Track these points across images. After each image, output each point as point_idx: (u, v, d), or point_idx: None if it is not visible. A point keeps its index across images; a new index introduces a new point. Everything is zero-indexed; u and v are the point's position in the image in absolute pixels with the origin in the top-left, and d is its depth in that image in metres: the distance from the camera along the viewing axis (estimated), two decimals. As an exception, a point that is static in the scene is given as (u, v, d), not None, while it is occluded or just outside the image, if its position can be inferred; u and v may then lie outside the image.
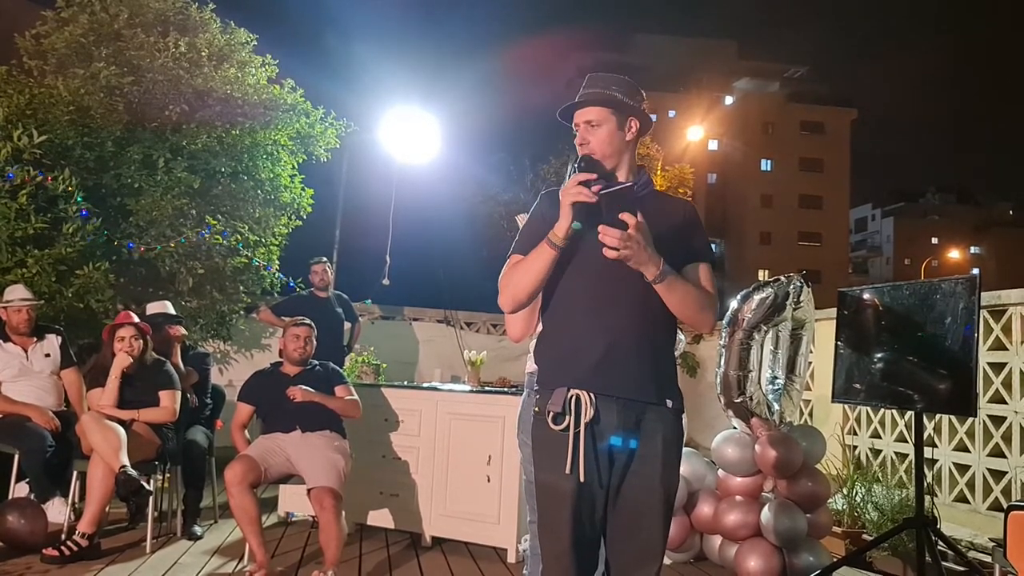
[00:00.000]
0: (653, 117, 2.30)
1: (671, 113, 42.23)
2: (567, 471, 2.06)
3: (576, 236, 2.06)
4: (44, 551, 3.99)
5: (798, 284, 4.40)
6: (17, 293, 4.91)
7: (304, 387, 4.23)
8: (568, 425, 2.08)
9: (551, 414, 2.11)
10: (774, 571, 4.09)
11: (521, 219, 2.36)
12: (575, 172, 2.04)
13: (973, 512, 4.97)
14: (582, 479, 2.05)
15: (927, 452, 4.15)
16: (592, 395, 2.09)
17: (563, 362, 2.15)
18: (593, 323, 2.13)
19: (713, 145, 48.81)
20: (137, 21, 6.66)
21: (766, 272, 40.22)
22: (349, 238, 9.67)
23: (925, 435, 4.67)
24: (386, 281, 8.64)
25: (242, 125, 6.89)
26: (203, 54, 6.75)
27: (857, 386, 4.08)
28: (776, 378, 4.51)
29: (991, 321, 5.02)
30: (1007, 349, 4.93)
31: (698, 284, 2.19)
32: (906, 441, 5.61)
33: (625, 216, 1.96)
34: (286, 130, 7.24)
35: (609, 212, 1.97)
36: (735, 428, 4.52)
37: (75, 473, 4.49)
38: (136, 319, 4.66)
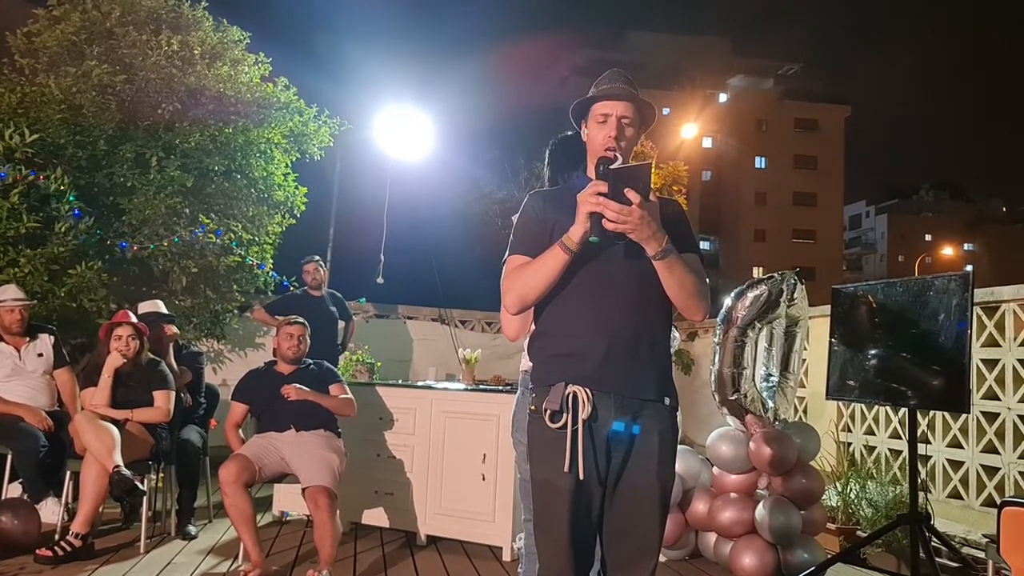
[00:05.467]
0: (666, 111, 2.31)
1: (665, 111, 42.08)
2: (565, 469, 2.05)
3: (588, 243, 2.05)
4: (38, 551, 3.98)
5: (792, 281, 4.41)
6: (10, 293, 4.89)
7: (298, 386, 4.22)
8: (566, 423, 2.07)
9: (548, 412, 2.10)
10: (769, 568, 4.10)
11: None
12: (600, 175, 2.02)
13: (966, 508, 4.98)
14: (581, 477, 2.05)
15: (921, 448, 4.16)
16: (589, 391, 2.09)
17: (560, 359, 2.15)
18: (590, 320, 2.13)
19: (707, 143, 48.87)
20: (129, 19, 6.64)
21: (760, 269, 40.28)
22: (343, 236, 9.65)
23: (919, 431, 4.68)
24: (380, 279, 8.62)
25: (235, 123, 6.88)
26: (196, 52, 6.73)
27: (851, 383, 4.09)
28: (770, 375, 4.51)
29: (984, 317, 5.03)
30: (1000, 345, 4.94)
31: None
32: (900, 438, 5.62)
33: (630, 193, 1.97)
34: (279, 128, 7.23)
35: (616, 186, 1.97)
36: (730, 425, 4.53)
37: (68, 473, 4.47)
38: (134, 318, 4.64)
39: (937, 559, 3.92)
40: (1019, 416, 4.74)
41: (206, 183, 6.82)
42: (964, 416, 5.03)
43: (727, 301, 4.51)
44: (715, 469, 4.53)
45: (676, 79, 46.19)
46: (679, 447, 2.78)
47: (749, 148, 49.26)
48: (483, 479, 4.53)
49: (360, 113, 8.34)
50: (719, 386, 4.48)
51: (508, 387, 4.72)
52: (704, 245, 46.05)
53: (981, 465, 4.96)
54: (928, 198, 65.13)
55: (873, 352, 3.97)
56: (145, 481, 4.34)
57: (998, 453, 4.85)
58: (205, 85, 6.73)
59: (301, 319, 4.48)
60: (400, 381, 5.92)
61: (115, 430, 4.20)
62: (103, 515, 4.67)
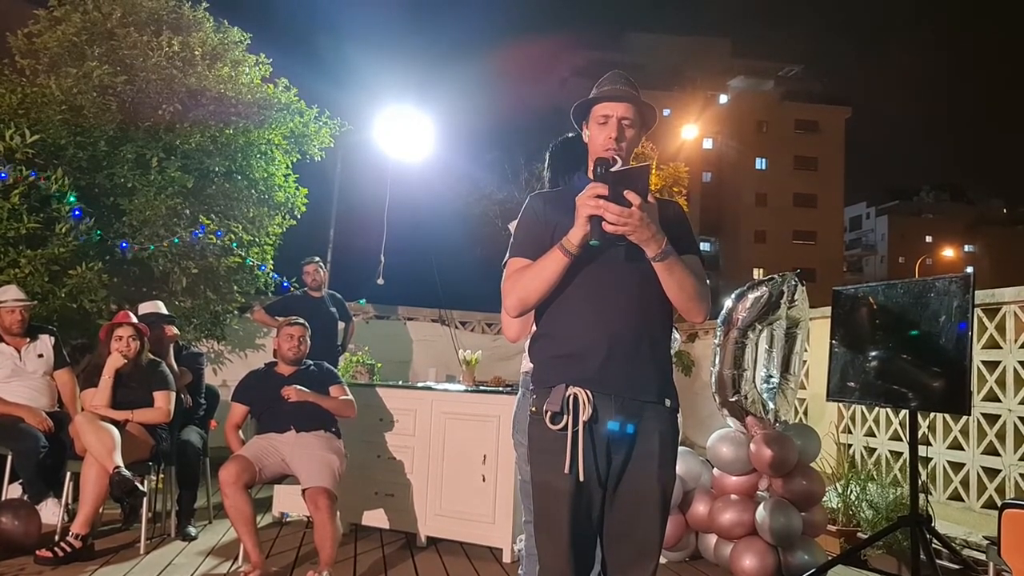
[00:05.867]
0: (666, 112, 2.31)
1: (665, 112, 42.08)
2: (566, 470, 2.05)
3: (588, 245, 2.05)
4: (38, 552, 3.98)
5: (792, 283, 4.41)
6: (10, 294, 4.89)
7: (299, 387, 4.21)
8: (566, 424, 2.07)
9: (549, 413, 2.10)
10: (769, 570, 4.09)
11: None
12: (599, 177, 2.02)
13: (967, 510, 4.98)
14: (581, 478, 2.05)
15: (921, 450, 4.16)
16: (590, 393, 2.09)
17: (561, 361, 2.15)
18: (591, 321, 2.13)
19: (708, 144, 48.89)
20: (130, 20, 6.64)
21: (761, 271, 40.30)
22: (343, 237, 9.65)
23: (919, 433, 4.68)
24: (380, 280, 8.62)
25: (236, 124, 6.88)
26: (196, 53, 6.73)
27: (852, 384, 4.09)
28: (771, 377, 4.51)
29: (985, 319, 5.03)
30: (1001, 347, 4.94)
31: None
32: (900, 439, 5.62)
33: (629, 195, 1.97)
34: (280, 129, 7.22)
35: (616, 188, 1.97)
36: (730, 427, 4.52)
37: (68, 474, 4.47)
38: (134, 319, 4.64)
39: (938, 561, 3.91)
40: (1020, 418, 4.74)
41: (206, 184, 6.82)
42: (965, 418, 5.03)
43: (727, 303, 4.50)
44: (715, 471, 4.52)
45: (676, 80, 46.20)
46: (679, 449, 2.78)
47: (749, 149, 49.25)
48: (483, 480, 4.53)
49: (361, 114, 8.34)
50: (719, 388, 4.48)
51: (508, 388, 4.72)
52: (704, 246, 46.03)
53: (982, 467, 4.96)
54: (928, 199, 65.09)
55: (874, 354, 3.97)
56: (145, 482, 4.34)
57: (999, 455, 4.85)
58: (206, 86, 6.73)
59: (301, 320, 4.48)
60: (400, 382, 5.91)
61: (115, 431, 4.20)
62: (103, 516, 4.67)
